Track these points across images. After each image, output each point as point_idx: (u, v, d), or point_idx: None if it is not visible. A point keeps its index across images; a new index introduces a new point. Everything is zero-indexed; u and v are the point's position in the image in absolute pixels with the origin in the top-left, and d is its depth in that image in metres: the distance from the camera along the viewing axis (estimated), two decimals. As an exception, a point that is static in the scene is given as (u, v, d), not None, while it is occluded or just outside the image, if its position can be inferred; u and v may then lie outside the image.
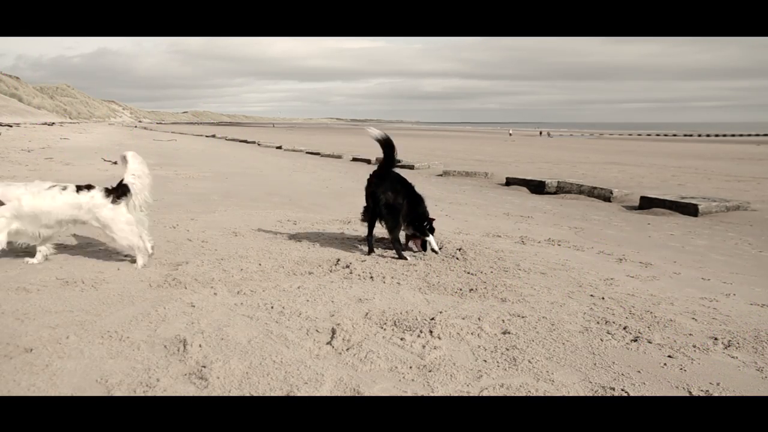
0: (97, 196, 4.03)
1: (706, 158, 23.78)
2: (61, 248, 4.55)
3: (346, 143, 32.56)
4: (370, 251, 4.80)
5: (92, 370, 2.42)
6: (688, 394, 2.40)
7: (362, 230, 5.14)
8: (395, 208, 4.66)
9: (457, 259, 4.66)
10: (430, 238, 4.87)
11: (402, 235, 4.85)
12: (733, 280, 4.58)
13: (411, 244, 4.97)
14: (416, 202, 4.84)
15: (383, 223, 4.76)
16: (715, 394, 2.41)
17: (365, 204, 4.84)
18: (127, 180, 4.15)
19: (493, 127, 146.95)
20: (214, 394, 2.26)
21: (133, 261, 4.16)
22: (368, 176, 4.83)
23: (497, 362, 2.65)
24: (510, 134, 67.48)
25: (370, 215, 4.79)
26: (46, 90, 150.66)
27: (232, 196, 8.38)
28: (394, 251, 4.73)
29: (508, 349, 2.80)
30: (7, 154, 14.42)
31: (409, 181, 4.92)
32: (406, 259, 4.60)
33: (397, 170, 4.93)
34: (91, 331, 2.82)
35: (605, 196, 10.51)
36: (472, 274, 4.23)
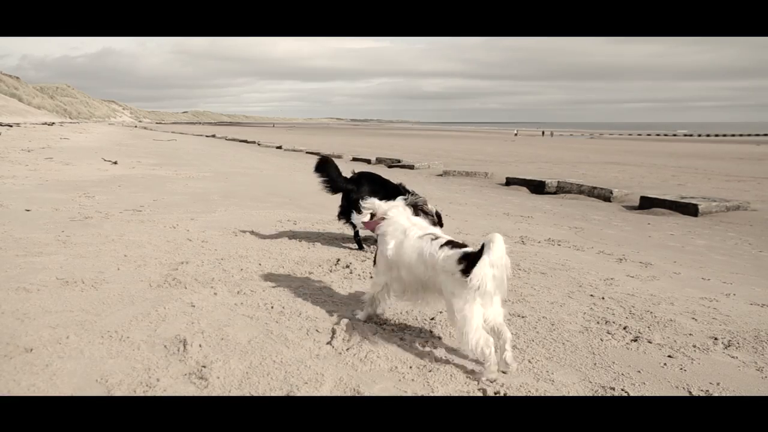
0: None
1: (706, 158, 23.77)
2: (61, 248, 4.56)
3: (346, 143, 32.57)
4: (360, 247, 5.08)
5: (92, 370, 2.42)
6: (688, 394, 2.40)
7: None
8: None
9: (457, 259, 4.66)
10: None
11: None
12: (733, 280, 4.58)
13: None
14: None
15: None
16: (715, 394, 2.41)
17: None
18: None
19: (491, 127, 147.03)
20: (214, 394, 2.26)
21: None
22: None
23: (497, 362, 2.65)
24: (515, 134, 67.47)
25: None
26: (46, 90, 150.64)
27: (232, 196, 8.38)
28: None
29: (508, 349, 2.79)
30: (7, 154, 14.42)
31: (407, 182, 5.09)
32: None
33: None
34: (91, 331, 2.82)
35: (605, 196, 10.51)
36: (472, 274, 4.23)
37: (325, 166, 5.05)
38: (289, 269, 4.20)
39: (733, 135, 79.26)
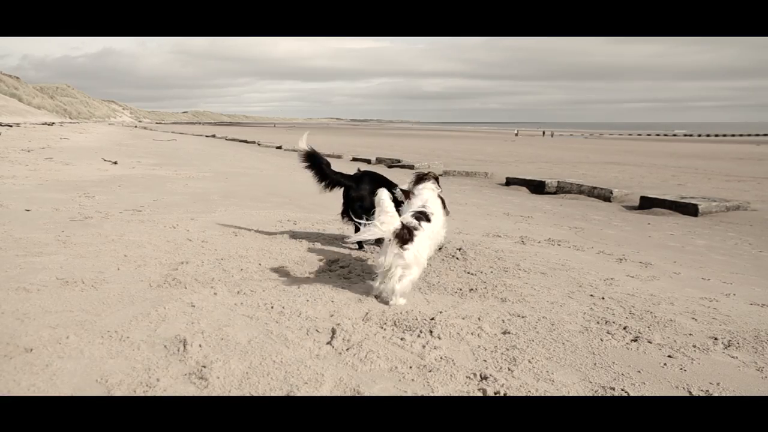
0: None
1: (706, 158, 23.79)
2: (61, 248, 4.56)
3: (346, 143, 32.57)
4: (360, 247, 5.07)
5: (92, 370, 2.42)
6: (688, 394, 2.40)
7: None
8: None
9: (457, 259, 4.67)
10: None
11: None
12: (733, 280, 4.58)
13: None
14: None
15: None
16: (715, 394, 2.41)
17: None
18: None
19: (491, 127, 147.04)
20: (214, 394, 2.26)
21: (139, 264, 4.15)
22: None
23: (497, 362, 2.65)
24: (516, 134, 67.66)
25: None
26: (46, 90, 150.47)
27: (232, 196, 8.38)
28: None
29: (508, 349, 2.79)
30: (7, 154, 14.42)
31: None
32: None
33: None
34: (91, 331, 2.82)
35: (605, 196, 10.52)
36: (472, 274, 4.23)
37: (313, 159, 4.98)
38: (289, 269, 4.20)
39: (733, 135, 79.28)
